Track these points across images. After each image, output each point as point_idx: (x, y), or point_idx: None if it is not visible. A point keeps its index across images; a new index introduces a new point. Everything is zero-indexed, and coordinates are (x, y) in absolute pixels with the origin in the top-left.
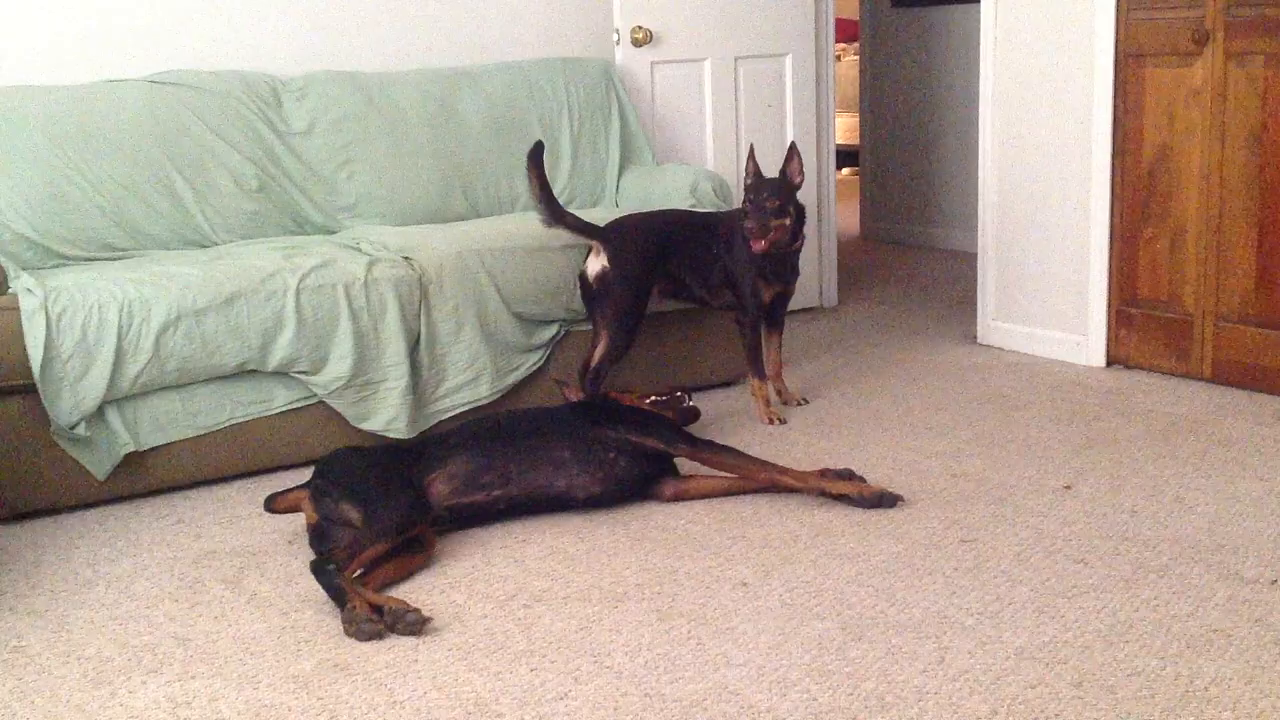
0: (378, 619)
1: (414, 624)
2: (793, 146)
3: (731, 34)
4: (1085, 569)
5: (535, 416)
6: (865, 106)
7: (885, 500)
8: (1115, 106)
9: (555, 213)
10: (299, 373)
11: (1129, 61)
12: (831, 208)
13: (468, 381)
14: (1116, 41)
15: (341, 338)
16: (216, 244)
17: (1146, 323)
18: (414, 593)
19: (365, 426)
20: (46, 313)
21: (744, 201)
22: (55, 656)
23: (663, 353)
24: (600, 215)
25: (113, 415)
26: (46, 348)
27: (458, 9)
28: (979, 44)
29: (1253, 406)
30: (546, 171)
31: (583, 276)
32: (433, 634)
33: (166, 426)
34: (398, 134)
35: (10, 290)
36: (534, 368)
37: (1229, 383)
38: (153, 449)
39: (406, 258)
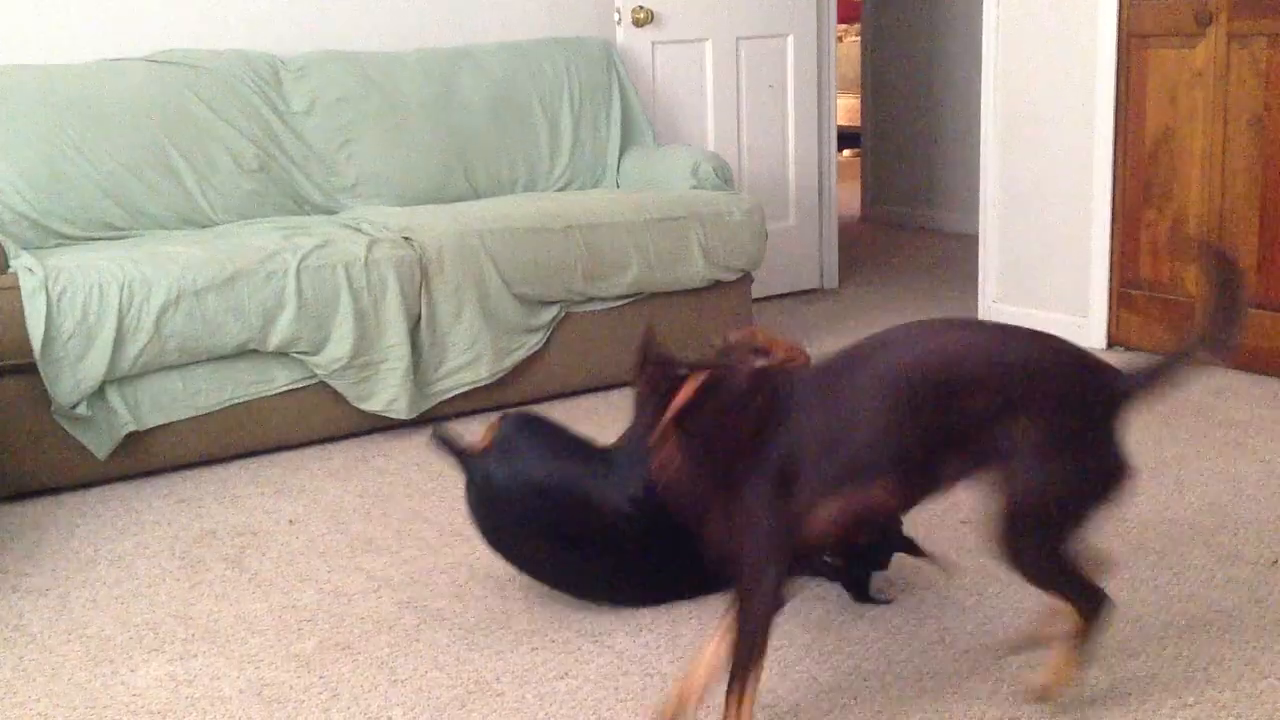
0: None
1: None
2: None
3: (733, 14)
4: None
5: None
6: (867, 87)
7: None
8: (1118, 88)
9: None
10: (299, 353)
11: (1132, 42)
12: (832, 189)
13: (468, 363)
14: (1119, 22)
15: (342, 318)
16: (216, 224)
17: (1148, 304)
18: (416, 572)
19: (366, 407)
20: (47, 292)
21: None
22: (57, 635)
23: (665, 333)
24: (601, 196)
25: (113, 395)
26: (47, 327)
27: None
28: (981, 25)
29: (1254, 388)
30: (545, 151)
31: None
32: (434, 614)
33: (167, 406)
34: (398, 114)
35: (10, 270)
36: (534, 349)
37: (1230, 365)
38: (154, 428)
39: (407, 238)
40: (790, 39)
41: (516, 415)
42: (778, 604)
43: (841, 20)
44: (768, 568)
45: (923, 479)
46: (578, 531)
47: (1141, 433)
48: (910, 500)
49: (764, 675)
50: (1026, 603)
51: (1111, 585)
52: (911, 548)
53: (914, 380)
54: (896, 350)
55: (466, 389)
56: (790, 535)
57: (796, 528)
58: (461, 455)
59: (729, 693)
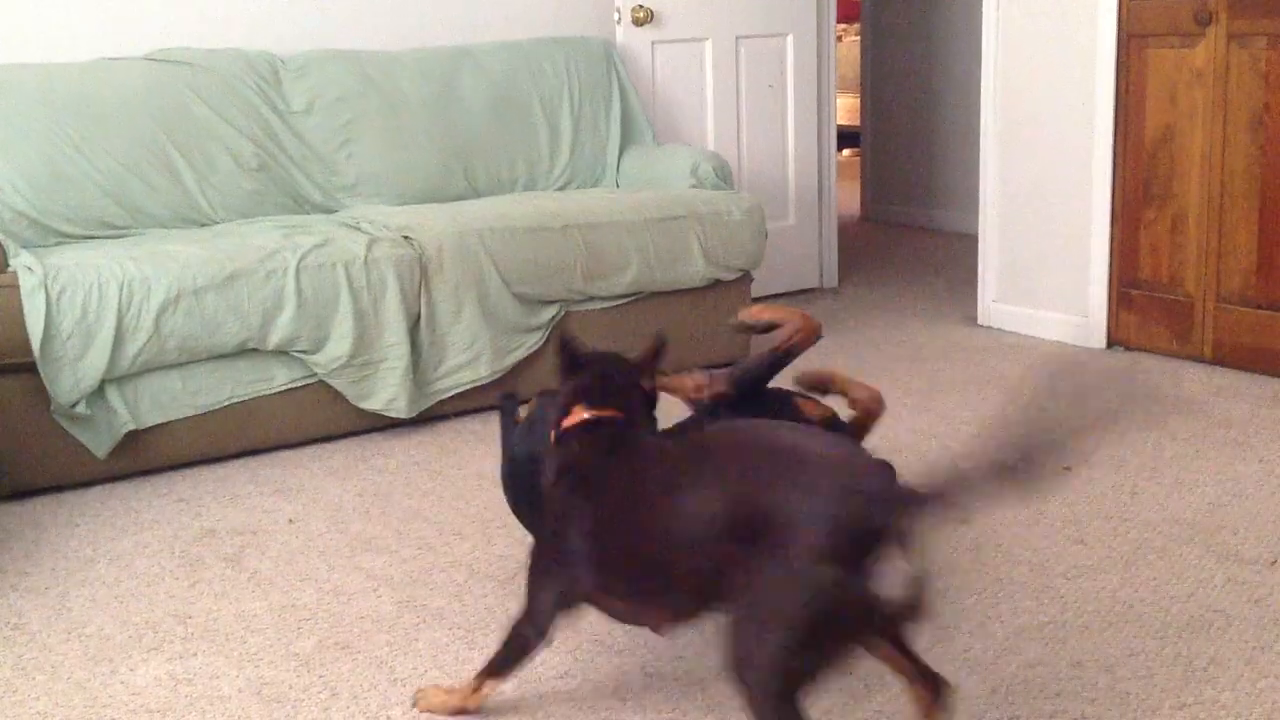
0: None
1: None
2: None
3: (733, 13)
4: (1085, 549)
5: None
6: (866, 87)
7: None
8: (1117, 87)
9: None
10: (299, 352)
11: (1131, 42)
12: (832, 189)
13: (467, 362)
14: (1119, 22)
15: (341, 317)
16: (216, 223)
17: (1147, 304)
18: (415, 571)
19: (365, 406)
20: (46, 291)
21: None
22: (56, 634)
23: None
24: (601, 196)
25: (113, 394)
26: (46, 326)
27: None
28: (981, 24)
29: (1253, 387)
30: (545, 150)
31: None
32: (433, 613)
33: (167, 405)
34: (397, 113)
35: (10, 268)
36: (533, 348)
37: (1229, 364)
38: (153, 427)
39: (407, 237)
40: (790, 38)
41: (549, 393)
42: (538, 633)
43: (841, 19)
44: (538, 596)
45: (692, 607)
46: None
47: (1141, 432)
48: (677, 622)
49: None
50: (1025, 603)
51: (1112, 585)
52: None
53: (716, 516)
54: (715, 473)
55: (466, 388)
56: (563, 583)
57: (574, 584)
58: (505, 426)
59: (476, 675)
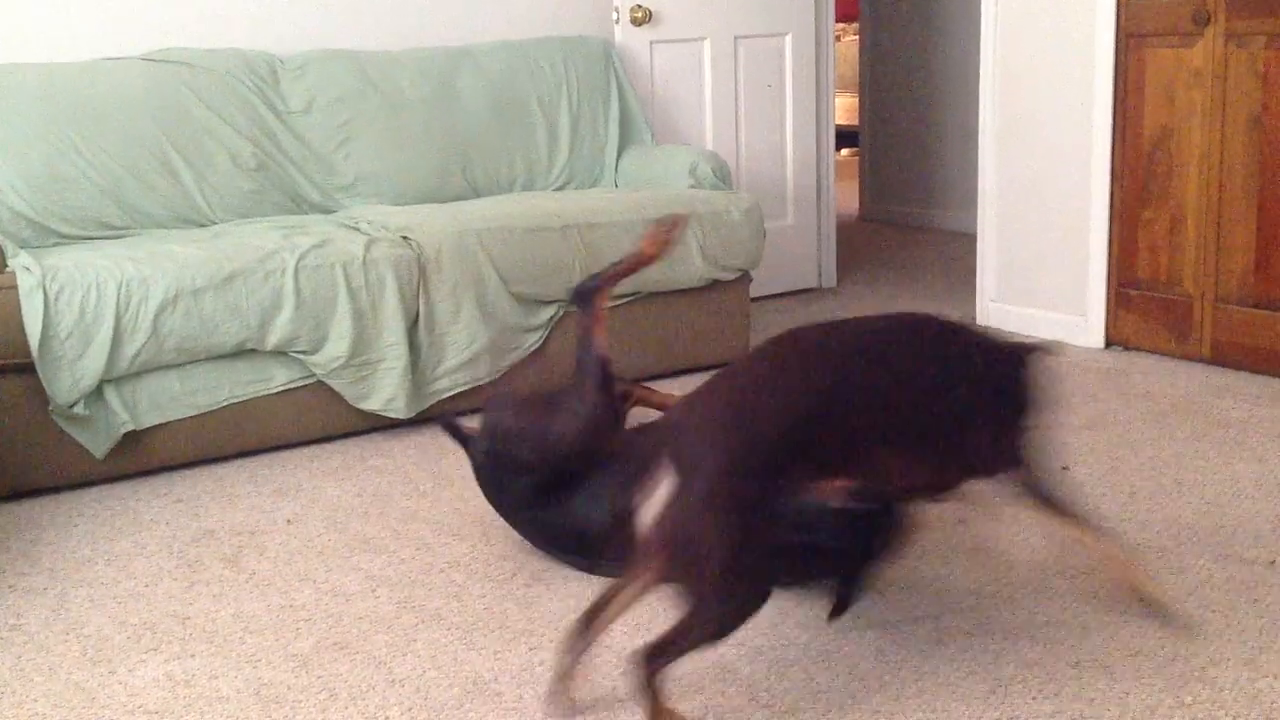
0: None
1: None
2: None
3: (731, 13)
4: (1084, 549)
5: None
6: (865, 87)
7: None
8: (1116, 87)
9: None
10: (297, 352)
11: (1130, 42)
12: (831, 188)
13: (466, 362)
14: (1117, 21)
15: (340, 317)
16: (214, 223)
17: (1145, 304)
18: (413, 571)
19: (364, 406)
20: (44, 291)
21: None
22: (54, 634)
23: (664, 333)
24: (599, 196)
25: (111, 394)
26: (45, 326)
27: None
28: (979, 23)
29: (1251, 387)
30: (543, 150)
31: None
32: (431, 613)
33: (165, 405)
34: (396, 113)
35: (8, 269)
36: (533, 348)
37: (1227, 364)
38: (151, 428)
39: (405, 237)
40: (788, 38)
41: (494, 398)
42: None
43: (840, 19)
44: None
45: None
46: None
47: (1139, 432)
48: None
49: (760, 675)
50: (1024, 602)
51: (1110, 583)
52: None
53: None
54: None
55: (465, 388)
56: None
57: None
58: (461, 440)
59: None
